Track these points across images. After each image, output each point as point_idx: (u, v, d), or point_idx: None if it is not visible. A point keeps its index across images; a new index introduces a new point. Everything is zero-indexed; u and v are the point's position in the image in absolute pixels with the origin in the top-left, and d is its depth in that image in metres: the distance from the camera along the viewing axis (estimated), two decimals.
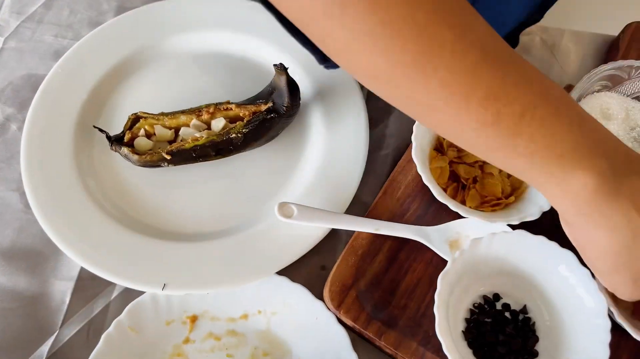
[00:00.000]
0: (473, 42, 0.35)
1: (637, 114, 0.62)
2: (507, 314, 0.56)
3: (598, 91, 0.62)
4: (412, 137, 0.57)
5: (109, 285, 0.58)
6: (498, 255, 0.54)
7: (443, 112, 0.37)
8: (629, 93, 0.62)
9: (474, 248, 0.53)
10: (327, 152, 0.63)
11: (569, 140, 0.39)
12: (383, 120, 0.68)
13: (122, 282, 0.55)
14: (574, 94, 0.59)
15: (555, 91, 0.39)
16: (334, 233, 0.61)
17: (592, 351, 0.50)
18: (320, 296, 0.57)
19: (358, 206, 0.62)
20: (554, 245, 0.53)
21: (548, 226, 0.55)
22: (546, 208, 0.55)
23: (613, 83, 0.62)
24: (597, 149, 0.40)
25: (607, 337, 0.49)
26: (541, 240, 0.53)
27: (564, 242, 0.53)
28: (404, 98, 0.39)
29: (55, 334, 0.56)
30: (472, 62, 0.35)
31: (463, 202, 0.58)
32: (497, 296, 0.56)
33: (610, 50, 0.74)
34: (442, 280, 0.51)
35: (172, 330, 0.56)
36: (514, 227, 0.55)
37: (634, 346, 0.55)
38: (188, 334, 0.56)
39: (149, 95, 0.67)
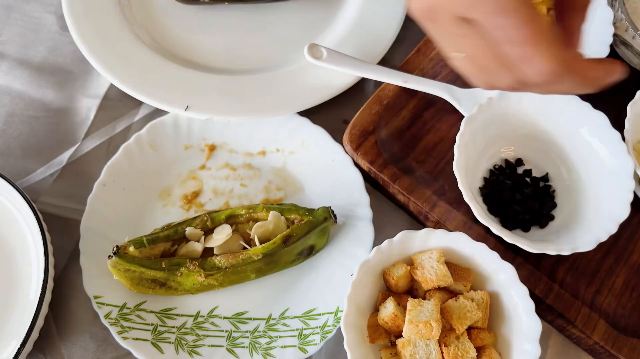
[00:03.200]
0: None
1: None
2: (527, 179, 0.54)
3: None
4: None
5: (134, 108, 0.59)
6: (527, 113, 0.53)
7: None
8: None
9: (503, 100, 0.52)
10: (364, 9, 0.62)
11: None
12: None
13: (147, 100, 0.56)
14: None
15: None
16: (360, 89, 0.61)
17: (613, 209, 0.48)
18: (340, 143, 0.56)
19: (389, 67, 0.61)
20: (586, 105, 0.51)
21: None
22: None
23: None
24: None
25: (630, 196, 0.48)
26: (573, 100, 0.51)
27: (595, 105, 0.52)
28: None
29: (77, 145, 0.57)
30: None
31: None
32: (519, 161, 0.55)
33: None
34: (466, 124, 0.50)
35: (189, 155, 0.56)
36: None
37: None
38: (205, 162, 0.57)
39: None
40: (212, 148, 0.57)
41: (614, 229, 0.47)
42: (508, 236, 0.46)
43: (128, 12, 0.62)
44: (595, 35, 0.55)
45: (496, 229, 0.46)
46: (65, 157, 0.56)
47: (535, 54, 0.30)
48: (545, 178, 0.54)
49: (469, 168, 0.52)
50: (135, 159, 0.54)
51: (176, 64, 0.58)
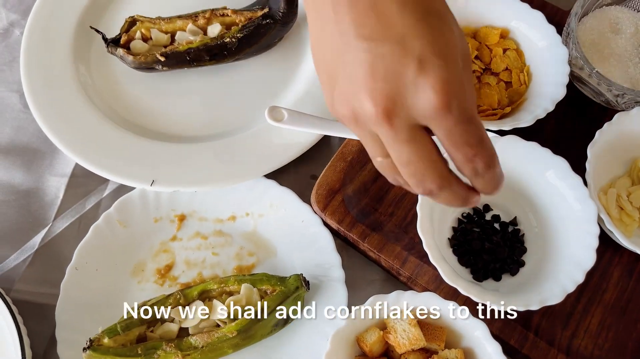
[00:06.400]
0: None
1: None
2: (496, 225, 0.55)
3: (608, 5, 0.59)
4: None
5: (102, 183, 0.59)
6: None
7: None
8: (639, 9, 0.60)
9: None
10: None
11: None
12: None
13: (112, 177, 0.56)
14: (579, 5, 0.56)
15: None
16: (326, 144, 0.61)
17: (580, 257, 0.48)
18: (308, 202, 0.57)
19: None
20: (546, 151, 0.51)
21: (548, 134, 0.54)
22: (541, 115, 0.53)
23: None
24: None
25: (595, 242, 0.48)
26: (534, 146, 0.52)
27: (557, 150, 0.52)
28: None
29: (48, 226, 0.57)
30: None
31: None
32: (487, 207, 0.55)
33: None
34: None
35: (159, 227, 0.57)
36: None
37: (626, 262, 0.54)
38: (175, 232, 0.57)
39: (149, 1, 0.67)
40: (182, 218, 0.57)
41: (580, 278, 0.47)
42: (475, 295, 0.46)
43: (88, 85, 0.62)
44: (551, 76, 0.55)
45: (463, 289, 0.47)
46: (37, 240, 0.57)
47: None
48: (514, 222, 0.54)
49: (435, 220, 0.52)
50: (106, 238, 0.55)
51: (139, 136, 0.59)
